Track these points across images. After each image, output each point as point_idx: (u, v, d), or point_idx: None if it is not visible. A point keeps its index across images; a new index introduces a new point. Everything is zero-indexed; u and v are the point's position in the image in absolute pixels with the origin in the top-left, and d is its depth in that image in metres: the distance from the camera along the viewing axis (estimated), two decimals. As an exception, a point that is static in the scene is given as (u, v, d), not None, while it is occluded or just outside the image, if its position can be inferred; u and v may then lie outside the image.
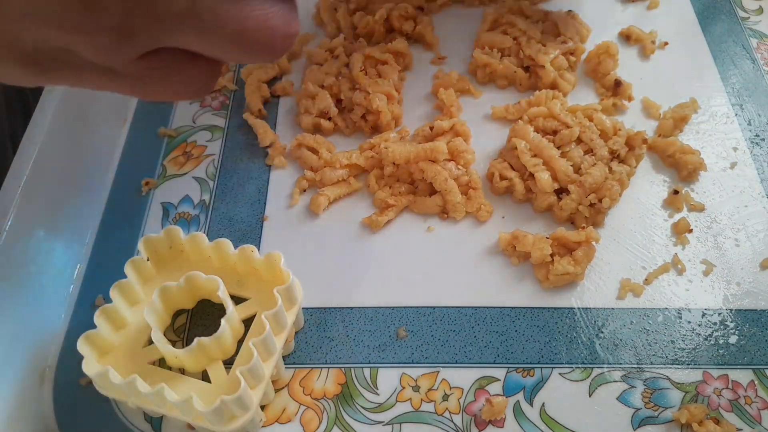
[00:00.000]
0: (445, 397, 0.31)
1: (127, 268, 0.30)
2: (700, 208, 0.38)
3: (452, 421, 0.31)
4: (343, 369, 0.32)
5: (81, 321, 0.34)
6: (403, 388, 0.32)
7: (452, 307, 0.34)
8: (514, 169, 0.38)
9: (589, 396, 0.31)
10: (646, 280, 0.35)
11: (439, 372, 0.32)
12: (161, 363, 0.30)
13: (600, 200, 0.36)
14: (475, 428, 0.30)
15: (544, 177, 0.36)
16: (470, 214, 0.38)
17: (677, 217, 0.37)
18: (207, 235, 0.33)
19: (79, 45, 0.18)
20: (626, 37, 0.47)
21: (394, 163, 0.38)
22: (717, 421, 0.30)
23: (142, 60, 0.19)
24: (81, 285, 0.36)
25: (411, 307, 0.34)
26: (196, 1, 0.18)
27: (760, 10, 0.49)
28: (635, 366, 0.32)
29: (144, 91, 0.21)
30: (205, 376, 0.29)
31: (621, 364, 0.32)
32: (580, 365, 0.32)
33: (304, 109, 0.42)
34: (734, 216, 0.37)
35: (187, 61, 0.21)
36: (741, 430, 0.30)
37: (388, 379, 0.32)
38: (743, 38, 0.47)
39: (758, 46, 0.46)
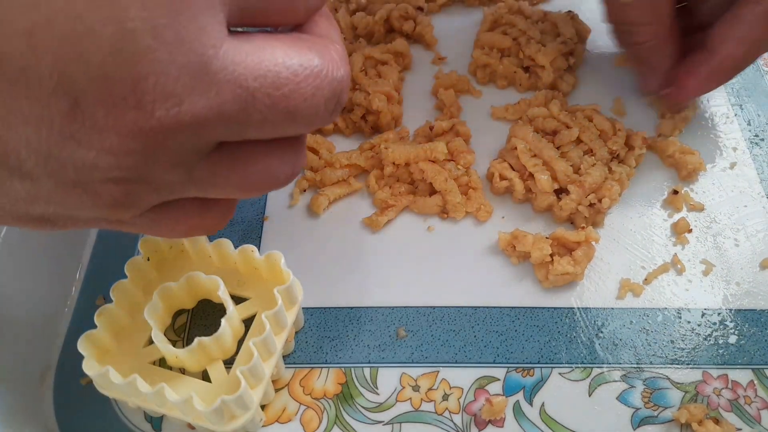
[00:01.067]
0: (445, 397, 0.31)
1: (128, 268, 0.30)
2: (699, 208, 0.38)
3: (452, 421, 0.31)
4: (343, 369, 0.33)
5: (81, 321, 0.34)
6: (403, 387, 0.32)
7: (452, 307, 0.34)
8: (513, 170, 0.38)
9: (589, 396, 0.31)
10: (645, 279, 0.35)
11: (439, 372, 0.32)
12: (161, 363, 0.30)
13: (600, 200, 0.36)
14: (474, 428, 0.31)
15: (543, 177, 0.36)
16: (470, 214, 0.38)
17: (677, 217, 0.38)
18: (207, 235, 0.33)
19: (84, 214, 0.18)
20: (626, 37, 0.47)
21: (394, 163, 0.38)
22: (717, 421, 0.30)
23: (150, 212, 0.19)
24: (81, 285, 0.36)
25: (411, 307, 0.34)
26: (193, 172, 0.18)
27: (760, 11, 0.49)
28: (635, 366, 0.32)
29: (158, 234, 0.21)
30: (205, 376, 0.29)
31: (621, 363, 0.32)
32: (579, 365, 0.32)
33: (304, 110, 0.42)
34: (734, 216, 0.38)
35: (197, 206, 0.20)
36: (740, 429, 0.30)
37: (388, 378, 0.32)
38: (743, 38, 0.47)
39: (758, 46, 0.46)
